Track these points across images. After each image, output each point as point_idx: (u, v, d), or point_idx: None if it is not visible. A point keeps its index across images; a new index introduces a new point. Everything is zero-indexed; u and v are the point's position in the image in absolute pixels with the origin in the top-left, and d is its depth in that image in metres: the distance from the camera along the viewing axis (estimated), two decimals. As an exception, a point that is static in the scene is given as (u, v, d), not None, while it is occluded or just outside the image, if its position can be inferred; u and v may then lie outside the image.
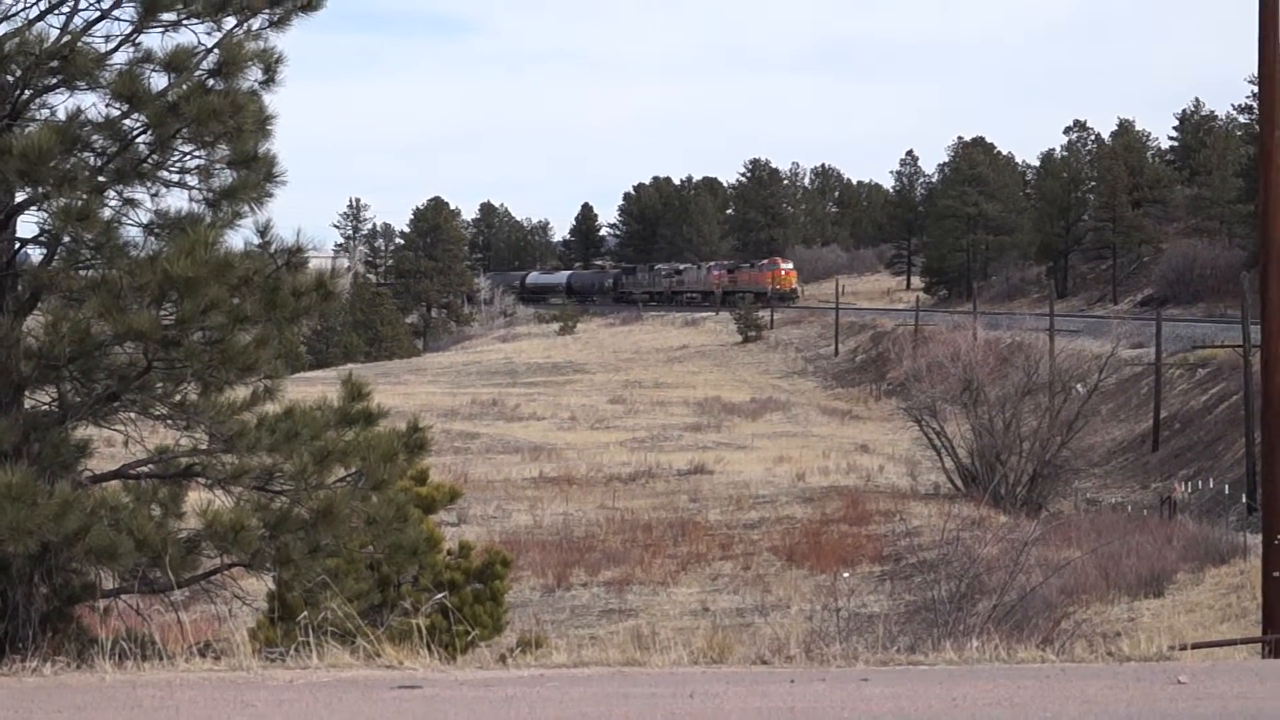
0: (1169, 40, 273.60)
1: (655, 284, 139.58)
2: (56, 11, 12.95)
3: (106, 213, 12.53)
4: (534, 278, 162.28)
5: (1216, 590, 31.07)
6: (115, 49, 12.77)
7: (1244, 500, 43.11)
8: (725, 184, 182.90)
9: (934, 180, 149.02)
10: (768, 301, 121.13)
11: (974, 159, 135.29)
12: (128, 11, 12.85)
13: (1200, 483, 49.63)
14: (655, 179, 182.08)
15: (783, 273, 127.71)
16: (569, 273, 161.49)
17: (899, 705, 8.69)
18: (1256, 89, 22.48)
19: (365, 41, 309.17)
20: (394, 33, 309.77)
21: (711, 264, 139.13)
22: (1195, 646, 14.25)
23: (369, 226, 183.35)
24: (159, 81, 12.53)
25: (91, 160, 12.56)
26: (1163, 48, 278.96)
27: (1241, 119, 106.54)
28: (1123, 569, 32.78)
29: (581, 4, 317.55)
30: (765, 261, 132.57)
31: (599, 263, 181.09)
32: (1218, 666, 11.22)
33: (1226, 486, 46.89)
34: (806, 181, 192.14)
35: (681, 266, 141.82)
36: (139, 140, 12.66)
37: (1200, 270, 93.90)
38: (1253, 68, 16.53)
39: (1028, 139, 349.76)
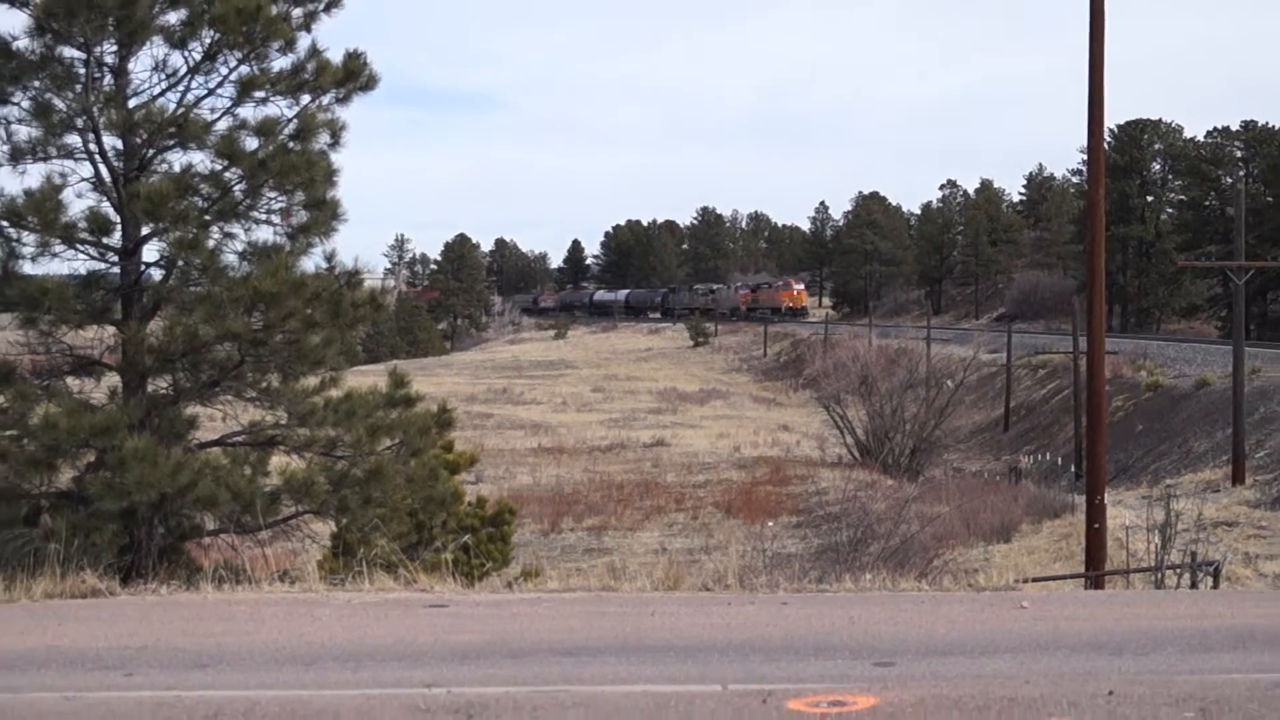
0: (1020, 118, 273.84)
1: (694, 302, 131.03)
2: (174, 89, 13.02)
3: (210, 243, 12.60)
4: (600, 295, 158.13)
5: (1051, 538, 31.09)
6: (218, 118, 12.90)
7: (1072, 469, 43.31)
8: (681, 225, 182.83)
9: (840, 224, 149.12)
10: (783, 316, 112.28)
11: (870, 208, 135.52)
12: (228, 90, 12.99)
13: (1040, 455, 49.66)
14: (628, 221, 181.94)
15: (795, 293, 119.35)
16: (628, 291, 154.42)
17: (809, 623, 8.74)
18: (1085, 156, 22.58)
19: (411, 114, 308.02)
20: (433, 107, 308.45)
21: (738, 284, 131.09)
22: (1034, 580, 14.36)
23: (410, 255, 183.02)
24: (251, 143, 12.63)
25: (199, 203, 12.60)
26: (1015, 123, 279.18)
27: (1074, 179, 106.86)
28: (980, 521, 32.77)
29: (576, 88, 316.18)
30: (781, 283, 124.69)
31: (585, 284, 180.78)
32: (1051, 596, 11.31)
33: (1059, 458, 46.95)
34: (743, 224, 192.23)
35: (715, 287, 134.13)
36: (235, 188, 12.73)
37: (1041, 295, 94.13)
38: (1083, 139, 16.69)
39: (912, 192, 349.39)
